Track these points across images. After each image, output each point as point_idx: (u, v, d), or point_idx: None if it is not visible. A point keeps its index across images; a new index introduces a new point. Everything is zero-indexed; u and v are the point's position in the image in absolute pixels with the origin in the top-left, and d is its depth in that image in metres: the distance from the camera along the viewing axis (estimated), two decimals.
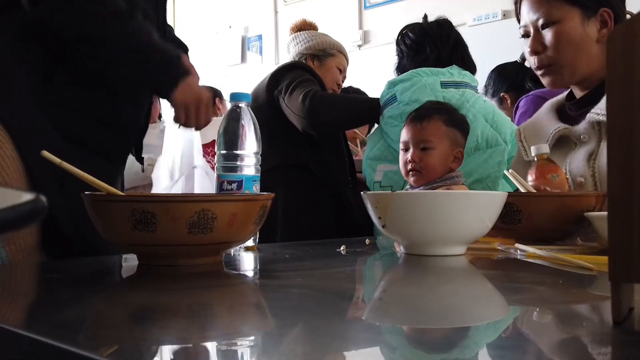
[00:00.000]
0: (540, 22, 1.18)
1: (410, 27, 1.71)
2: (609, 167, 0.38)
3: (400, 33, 1.73)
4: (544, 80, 1.25)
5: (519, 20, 1.27)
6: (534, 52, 1.21)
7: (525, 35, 1.24)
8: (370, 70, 3.64)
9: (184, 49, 1.27)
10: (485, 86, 2.33)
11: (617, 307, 0.39)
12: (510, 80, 2.26)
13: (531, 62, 1.25)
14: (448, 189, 1.20)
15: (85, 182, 0.65)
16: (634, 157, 0.37)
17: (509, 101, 2.26)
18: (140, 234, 0.62)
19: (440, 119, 1.34)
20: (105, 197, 0.65)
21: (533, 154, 1.10)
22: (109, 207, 0.64)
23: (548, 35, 1.18)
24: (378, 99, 1.71)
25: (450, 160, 1.33)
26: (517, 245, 0.82)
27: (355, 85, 2.81)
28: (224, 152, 0.88)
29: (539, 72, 1.24)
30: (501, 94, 2.28)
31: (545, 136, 1.26)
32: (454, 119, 1.35)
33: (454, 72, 1.60)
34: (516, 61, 2.29)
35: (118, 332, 0.42)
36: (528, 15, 1.21)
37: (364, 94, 2.65)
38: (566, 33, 1.16)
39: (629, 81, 0.38)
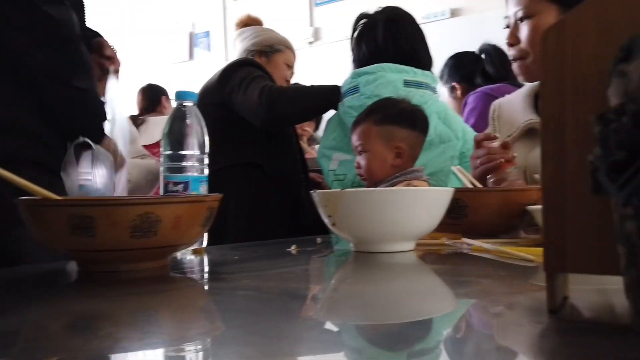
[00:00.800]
0: (519, 14, 1.20)
1: (366, 37, 1.68)
2: (542, 161, 0.40)
3: (357, 32, 1.71)
4: (517, 72, 1.27)
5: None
6: (509, 44, 1.24)
7: (507, 26, 1.26)
8: (322, 67, 3.66)
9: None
10: (441, 72, 2.33)
11: (552, 297, 0.40)
12: (464, 71, 2.26)
13: (509, 53, 1.28)
14: (409, 184, 1.20)
15: (9, 190, 0.62)
16: (566, 152, 0.38)
17: (459, 92, 2.26)
18: (79, 239, 0.60)
19: (371, 119, 1.33)
20: (41, 201, 0.62)
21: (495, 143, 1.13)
22: (44, 212, 0.61)
23: (524, 28, 1.21)
24: (336, 86, 1.71)
25: (390, 157, 1.31)
26: (464, 239, 0.84)
27: (306, 83, 2.80)
28: (169, 152, 0.86)
29: (514, 64, 1.27)
30: (452, 84, 2.28)
31: (516, 123, 1.28)
32: (387, 115, 1.33)
33: (417, 72, 1.62)
34: (474, 52, 2.30)
35: (56, 343, 0.40)
36: (510, 7, 1.23)
37: None
38: (539, 27, 1.19)
39: (561, 77, 0.39)
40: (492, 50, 2.20)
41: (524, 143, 1.25)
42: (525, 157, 1.24)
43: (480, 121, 1.87)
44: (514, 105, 1.34)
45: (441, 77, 2.32)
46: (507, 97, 1.42)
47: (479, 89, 2.05)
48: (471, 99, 2.05)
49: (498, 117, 1.35)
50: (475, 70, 2.22)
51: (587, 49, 0.38)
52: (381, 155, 1.31)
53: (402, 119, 1.34)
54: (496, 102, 1.42)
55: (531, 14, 1.19)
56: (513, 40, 1.23)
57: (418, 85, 1.60)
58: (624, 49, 0.31)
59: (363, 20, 1.71)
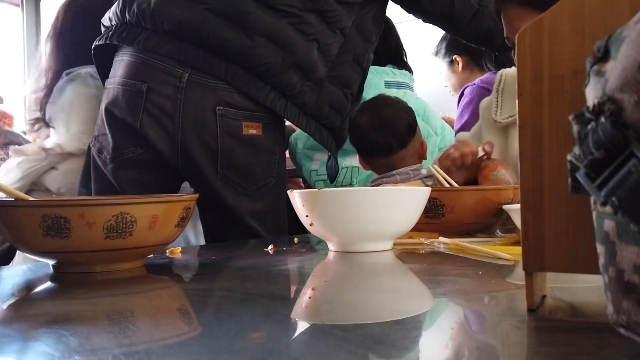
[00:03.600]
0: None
1: None
2: (520, 160, 0.40)
3: None
4: None
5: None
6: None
7: (512, 46, 1.22)
8: None
9: None
10: (437, 48, 2.23)
11: (530, 295, 0.40)
12: (464, 44, 2.12)
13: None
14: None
15: None
16: (544, 151, 0.39)
17: (460, 64, 2.16)
18: (53, 241, 0.59)
19: None
20: (12, 202, 0.61)
21: (479, 155, 1.13)
22: (16, 213, 0.60)
23: None
24: None
25: None
26: (441, 238, 0.84)
27: None
28: None
29: None
30: (453, 57, 2.18)
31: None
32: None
33: (396, 72, 1.65)
34: None
35: (30, 345, 0.39)
36: (506, 29, 1.17)
37: None
38: None
39: (537, 77, 0.40)
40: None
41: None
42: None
43: (473, 118, 1.84)
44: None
45: (437, 52, 2.25)
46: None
47: (476, 81, 2.01)
48: (467, 90, 2.00)
49: (503, 90, 1.30)
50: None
51: (563, 48, 0.39)
52: None
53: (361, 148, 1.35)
54: (504, 71, 1.36)
55: None
56: None
57: (398, 85, 1.63)
58: (601, 49, 0.31)
59: None
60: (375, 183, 1.27)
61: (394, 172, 1.28)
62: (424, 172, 1.25)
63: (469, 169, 1.17)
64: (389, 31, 1.70)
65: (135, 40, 1.10)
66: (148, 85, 1.09)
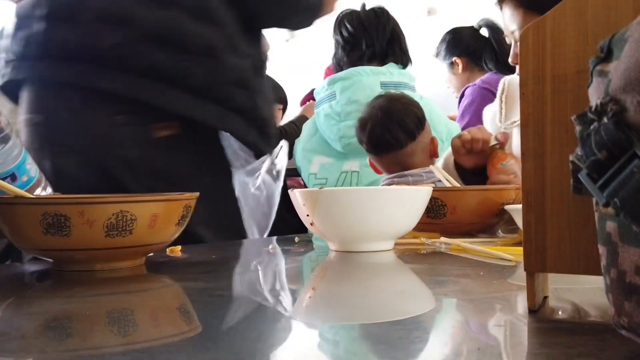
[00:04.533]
0: (516, 35, 1.15)
1: (348, 17, 1.70)
2: (522, 161, 0.40)
3: (338, 19, 1.72)
4: None
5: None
6: (513, 63, 1.21)
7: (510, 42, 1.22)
8: (298, 65, 3.65)
9: None
10: (437, 49, 2.26)
11: (532, 296, 0.40)
12: (464, 45, 2.18)
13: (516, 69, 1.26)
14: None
15: None
16: (546, 150, 0.39)
17: (460, 66, 2.19)
18: (54, 239, 0.58)
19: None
20: (12, 199, 0.61)
21: (491, 144, 1.12)
22: (16, 211, 0.60)
23: None
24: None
25: None
26: (442, 238, 0.84)
27: (282, 81, 2.80)
28: None
29: None
30: (453, 59, 2.21)
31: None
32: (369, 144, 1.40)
33: (394, 72, 1.62)
34: (472, 26, 2.22)
35: (29, 343, 0.39)
36: (507, 25, 1.18)
37: (281, 90, 2.63)
38: None
39: (540, 76, 0.39)
40: (494, 26, 2.10)
41: None
42: None
43: (475, 119, 1.85)
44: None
45: (437, 54, 2.26)
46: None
47: (477, 81, 2.02)
48: (468, 91, 2.01)
49: (506, 97, 1.30)
50: (479, 46, 2.11)
51: (566, 48, 0.38)
52: None
53: (370, 145, 1.35)
54: (507, 79, 1.37)
55: None
56: (516, 60, 1.20)
57: (396, 85, 1.60)
58: (604, 49, 0.31)
59: (343, 11, 1.73)
60: (386, 184, 1.26)
61: (405, 172, 1.27)
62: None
63: (478, 156, 1.16)
64: (385, 18, 1.68)
65: (20, 73, 1.01)
66: (44, 115, 0.99)
